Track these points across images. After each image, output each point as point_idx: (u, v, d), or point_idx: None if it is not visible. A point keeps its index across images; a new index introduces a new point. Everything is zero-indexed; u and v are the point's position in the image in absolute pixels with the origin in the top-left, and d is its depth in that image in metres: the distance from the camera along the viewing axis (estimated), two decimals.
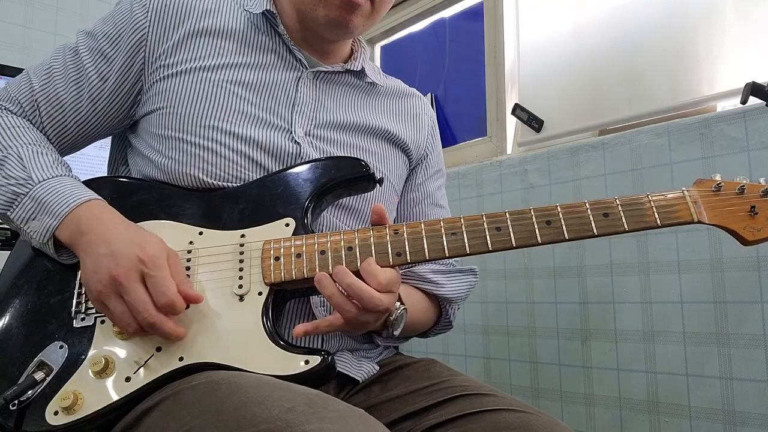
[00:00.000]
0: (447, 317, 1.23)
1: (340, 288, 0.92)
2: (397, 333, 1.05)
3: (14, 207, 0.96)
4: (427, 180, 1.30)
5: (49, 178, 0.97)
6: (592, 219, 0.94)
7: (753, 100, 1.41)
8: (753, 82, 1.38)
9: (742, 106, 1.45)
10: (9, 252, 1.05)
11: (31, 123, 1.08)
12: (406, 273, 1.17)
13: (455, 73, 2.66)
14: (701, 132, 1.60)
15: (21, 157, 0.99)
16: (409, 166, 1.27)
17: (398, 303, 1.03)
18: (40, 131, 1.08)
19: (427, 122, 1.31)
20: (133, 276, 0.87)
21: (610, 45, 1.90)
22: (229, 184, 1.04)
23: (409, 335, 1.21)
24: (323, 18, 1.08)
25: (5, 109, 1.07)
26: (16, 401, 0.86)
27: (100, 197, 0.98)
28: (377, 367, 1.11)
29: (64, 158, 1.09)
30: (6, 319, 0.95)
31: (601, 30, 1.92)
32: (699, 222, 0.94)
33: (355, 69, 1.18)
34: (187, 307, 0.92)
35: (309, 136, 1.11)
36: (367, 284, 0.91)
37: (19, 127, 1.04)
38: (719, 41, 1.65)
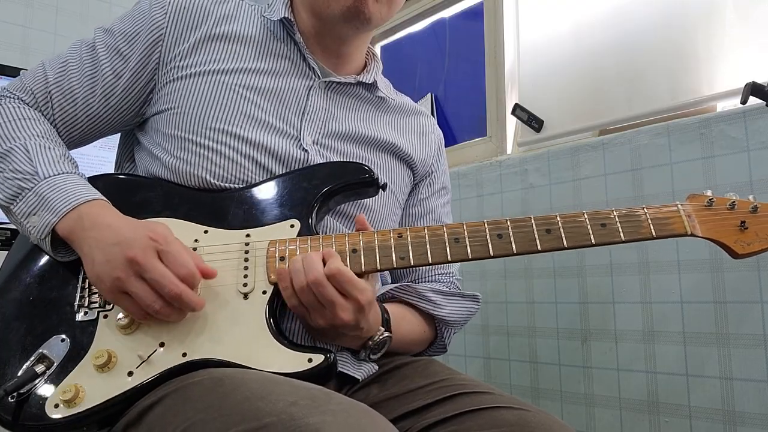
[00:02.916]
0: (442, 340, 1.23)
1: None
2: (374, 358, 1.06)
3: (17, 201, 0.96)
4: (430, 196, 1.31)
5: (54, 175, 0.97)
6: (590, 229, 0.98)
7: (753, 100, 1.42)
8: (753, 82, 1.39)
9: (742, 106, 1.45)
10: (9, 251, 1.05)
11: (43, 114, 1.08)
12: (406, 288, 1.17)
13: (455, 73, 2.66)
14: (701, 132, 1.60)
15: (28, 150, 0.99)
16: (413, 181, 1.28)
17: (382, 328, 1.04)
18: (51, 123, 1.09)
19: (434, 141, 1.32)
20: (149, 253, 0.88)
21: (610, 45, 1.90)
22: (235, 186, 1.04)
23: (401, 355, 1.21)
24: (339, 9, 1.08)
25: (18, 99, 1.08)
26: (15, 393, 0.86)
27: (104, 197, 0.98)
28: (376, 367, 1.11)
29: (71, 151, 1.10)
30: (7, 311, 0.95)
31: (601, 30, 1.93)
32: (692, 235, 0.98)
33: (366, 81, 1.19)
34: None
35: (317, 144, 1.11)
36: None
37: (29, 118, 1.05)
38: (719, 41, 1.66)
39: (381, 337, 1.03)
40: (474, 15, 2.53)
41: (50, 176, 0.97)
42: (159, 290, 0.87)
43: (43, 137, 1.03)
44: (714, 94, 1.66)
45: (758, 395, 1.46)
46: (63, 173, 0.98)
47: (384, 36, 2.96)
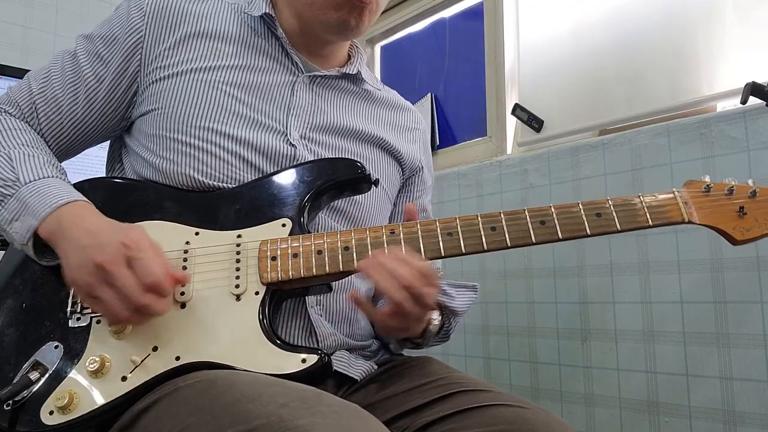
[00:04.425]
0: (447, 327, 1.23)
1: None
2: (430, 341, 1.10)
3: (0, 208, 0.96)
4: (423, 194, 1.32)
5: (35, 180, 0.97)
6: (585, 219, 0.97)
7: (753, 100, 1.41)
8: (753, 82, 1.38)
9: (742, 106, 1.45)
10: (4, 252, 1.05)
11: (30, 125, 1.08)
12: None
13: (455, 73, 2.65)
14: (701, 132, 1.60)
15: (11, 159, 0.99)
16: (402, 176, 1.28)
17: (436, 313, 1.07)
18: (38, 133, 1.09)
19: (420, 136, 1.33)
20: (118, 261, 0.87)
21: (610, 45, 1.90)
22: (225, 185, 1.04)
23: (401, 355, 1.22)
24: (335, 20, 1.10)
25: (5, 111, 1.08)
26: (10, 401, 0.86)
27: (86, 199, 0.98)
28: (375, 366, 1.12)
29: (65, 161, 1.10)
30: (1, 319, 0.95)
31: (601, 30, 1.92)
32: (689, 222, 0.97)
33: (350, 72, 1.19)
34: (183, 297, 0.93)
35: (304, 139, 1.11)
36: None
37: (14, 129, 1.05)
38: (719, 41, 1.65)
39: (437, 321, 1.09)
40: (474, 15, 2.53)
41: (31, 181, 0.97)
42: (125, 300, 0.87)
43: (27, 146, 1.03)
44: (714, 94, 1.66)
45: (758, 395, 1.46)
46: (44, 178, 0.98)
47: (384, 36, 2.95)
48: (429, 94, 2.64)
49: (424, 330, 1.08)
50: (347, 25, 1.10)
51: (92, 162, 2.09)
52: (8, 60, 2.34)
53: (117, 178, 1.14)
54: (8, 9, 2.49)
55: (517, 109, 2.12)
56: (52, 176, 1.00)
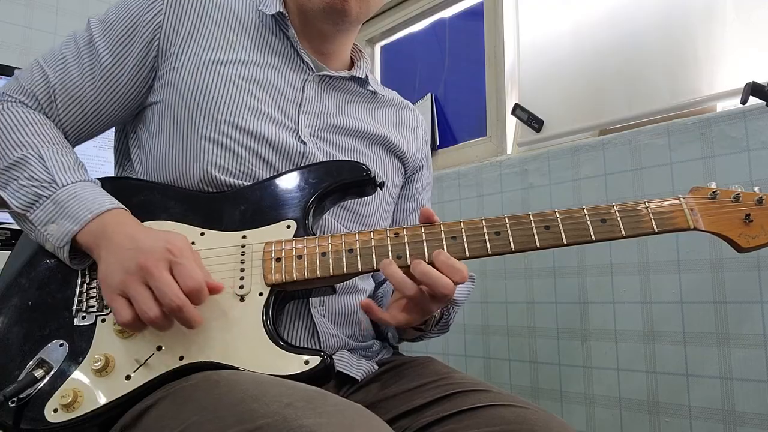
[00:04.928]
0: (447, 319, 1.23)
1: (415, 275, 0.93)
2: (435, 331, 1.12)
3: (34, 209, 0.95)
4: (421, 191, 1.33)
5: (72, 183, 0.96)
6: (590, 225, 0.96)
7: (753, 100, 1.41)
8: (753, 82, 1.39)
9: (742, 106, 1.45)
10: (10, 252, 1.05)
11: (47, 116, 1.06)
12: None
13: (455, 73, 2.66)
14: (701, 132, 1.60)
15: (43, 158, 0.97)
16: (405, 174, 1.29)
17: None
18: (57, 124, 1.06)
19: (421, 135, 1.34)
20: (161, 264, 0.87)
21: (610, 45, 1.90)
22: (238, 181, 1.04)
23: (401, 355, 1.22)
24: (319, 4, 1.10)
25: (20, 102, 1.05)
26: (15, 398, 0.86)
27: (123, 205, 0.98)
28: (376, 366, 1.12)
29: (78, 146, 1.10)
30: (6, 316, 0.95)
31: (601, 30, 1.93)
32: (695, 229, 0.96)
33: (359, 76, 1.20)
34: None
35: (314, 137, 1.12)
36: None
37: (37, 123, 1.03)
38: (719, 41, 1.65)
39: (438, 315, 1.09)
40: (474, 15, 2.53)
41: (68, 184, 0.96)
42: (161, 299, 0.86)
43: (54, 143, 1.01)
44: (714, 94, 1.66)
45: (758, 395, 1.46)
46: (80, 181, 0.97)
47: (384, 36, 2.95)
48: (429, 94, 2.64)
49: (426, 318, 1.07)
50: (334, 7, 1.10)
51: (92, 162, 2.10)
52: (8, 60, 2.35)
53: (122, 177, 1.14)
54: (8, 9, 2.50)
55: (517, 109, 2.12)
56: (86, 179, 0.99)
